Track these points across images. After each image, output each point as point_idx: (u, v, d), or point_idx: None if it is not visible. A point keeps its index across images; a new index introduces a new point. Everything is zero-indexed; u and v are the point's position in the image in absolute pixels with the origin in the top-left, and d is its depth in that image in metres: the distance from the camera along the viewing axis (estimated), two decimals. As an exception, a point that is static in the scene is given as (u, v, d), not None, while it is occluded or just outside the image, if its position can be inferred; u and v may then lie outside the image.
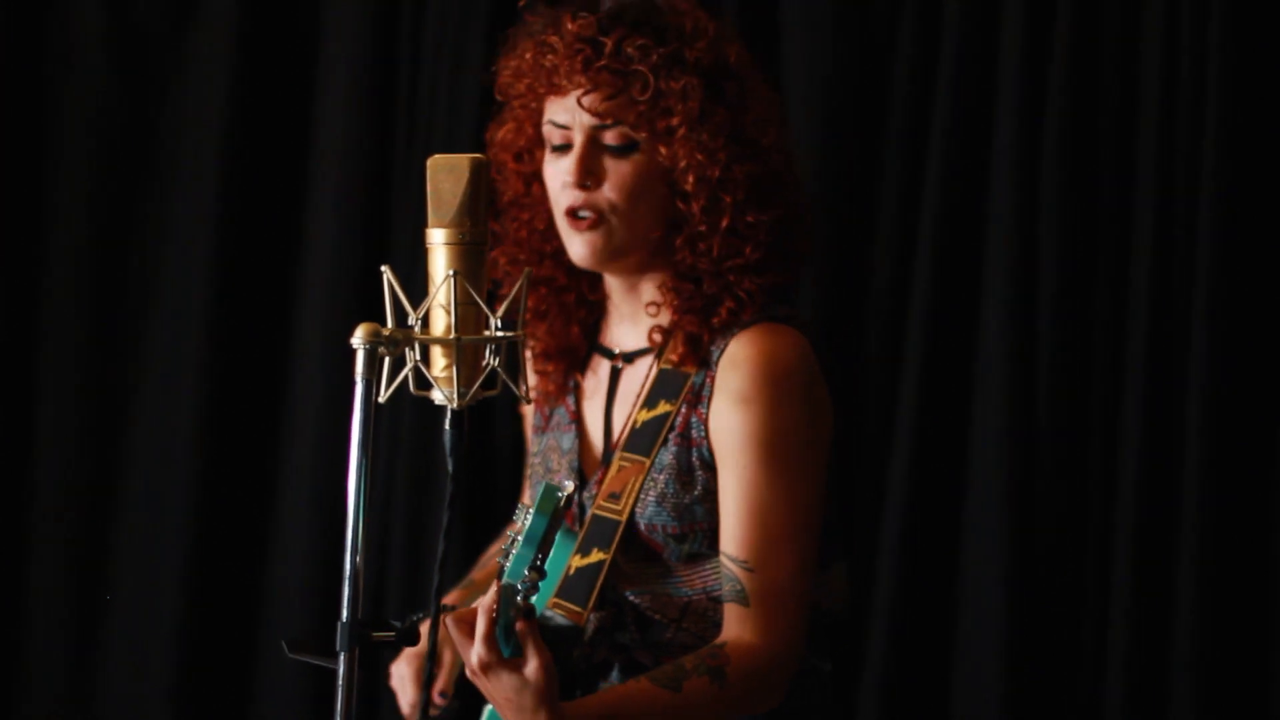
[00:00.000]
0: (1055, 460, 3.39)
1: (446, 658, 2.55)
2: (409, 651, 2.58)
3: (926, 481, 3.45)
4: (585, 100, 2.33)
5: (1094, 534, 3.39)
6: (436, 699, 2.56)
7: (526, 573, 2.09)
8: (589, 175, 2.34)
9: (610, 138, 2.34)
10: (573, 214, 2.36)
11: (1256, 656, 3.30)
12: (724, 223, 2.33)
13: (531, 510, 2.09)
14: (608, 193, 2.34)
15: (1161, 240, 3.31)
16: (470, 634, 2.10)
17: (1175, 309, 3.31)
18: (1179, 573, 3.30)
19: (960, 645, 3.46)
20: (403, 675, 2.57)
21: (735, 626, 2.28)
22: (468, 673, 2.12)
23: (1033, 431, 3.39)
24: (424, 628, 2.56)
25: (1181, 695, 3.30)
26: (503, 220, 2.48)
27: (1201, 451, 3.27)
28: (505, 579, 2.10)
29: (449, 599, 2.58)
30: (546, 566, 2.18)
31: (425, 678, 2.09)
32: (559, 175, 2.37)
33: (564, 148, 2.37)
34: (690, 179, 2.33)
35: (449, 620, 2.11)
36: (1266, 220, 3.29)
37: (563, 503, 2.12)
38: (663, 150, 2.33)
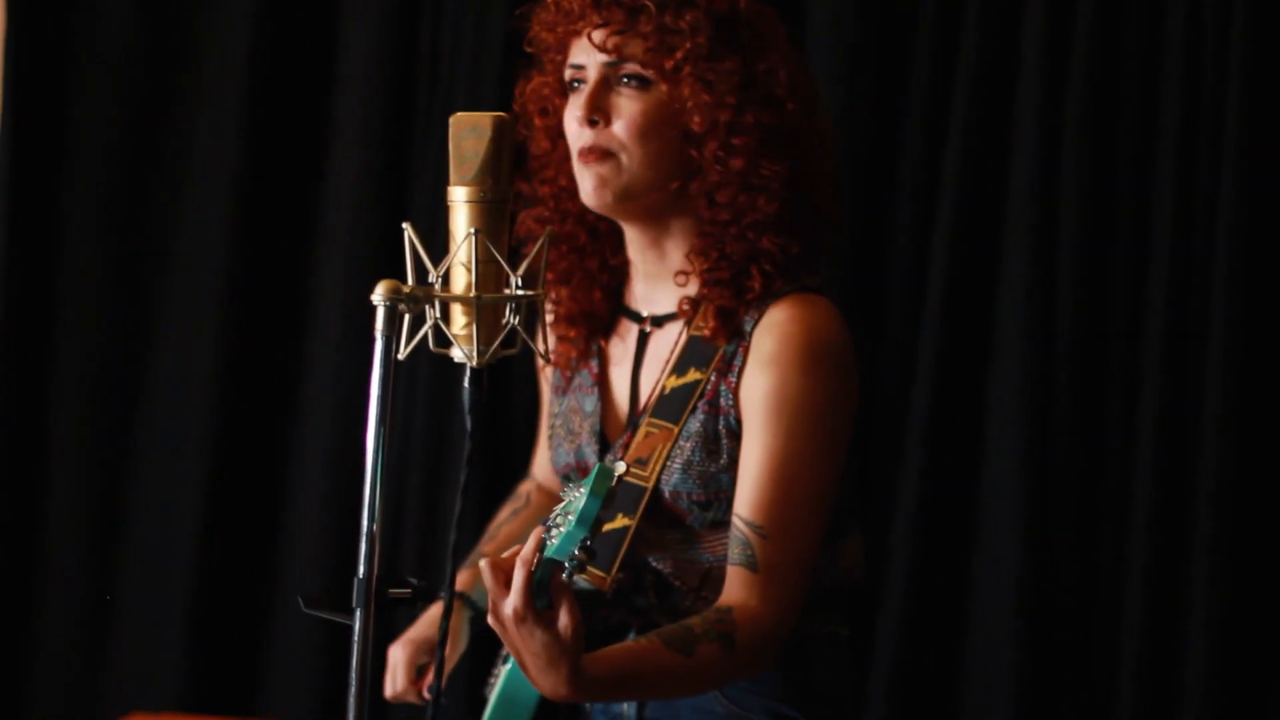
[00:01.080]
0: (1072, 430, 3.39)
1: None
2: (409, 637, 2.59)
3: (943, 451, 3.45)
4: (594, 36, 2.33)
5: (1110, 507, 3.39)
6: (425, 693, 2.56)
7: (576, 552, 2.06)
8: (596, 110, 2.33)
9: (623, 75, 2.34)
10: (584, 153, 2.35)
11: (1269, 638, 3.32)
12: (735, 165, 2.32)
13: (585, 490, 2.07)
14: (617, 131, 2.34)
15: (1182, 196, 3.31)
16: (505, 582, 2.09)
17: (1195, 264, 3.32)
18: (1195, 545, 3.30)
19: (974, 614, 3.46)
20: (396, 661, 2.57)
21: (741, 591, 2.27)
22: (491, 621, 2.11)
23: (1049, 403, 3.39)
24: (437, 608, 2.57)
25: (1194, 665, 3.31)
26: (531, 181, 2.48)
27: (1220, 407, 3.28)
28: (551, 554, 2.08)
29: (460, 578, 2.57)
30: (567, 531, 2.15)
31: (439, 656, 2.07)
32: (572, 114, 2.37)
33: (580, 87, 2.37)
34: (697, 120, 2.32)
35: (485, 565, 2.10)
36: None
37: (616, 484, 2.10)
38: (668, 89, 2.32)
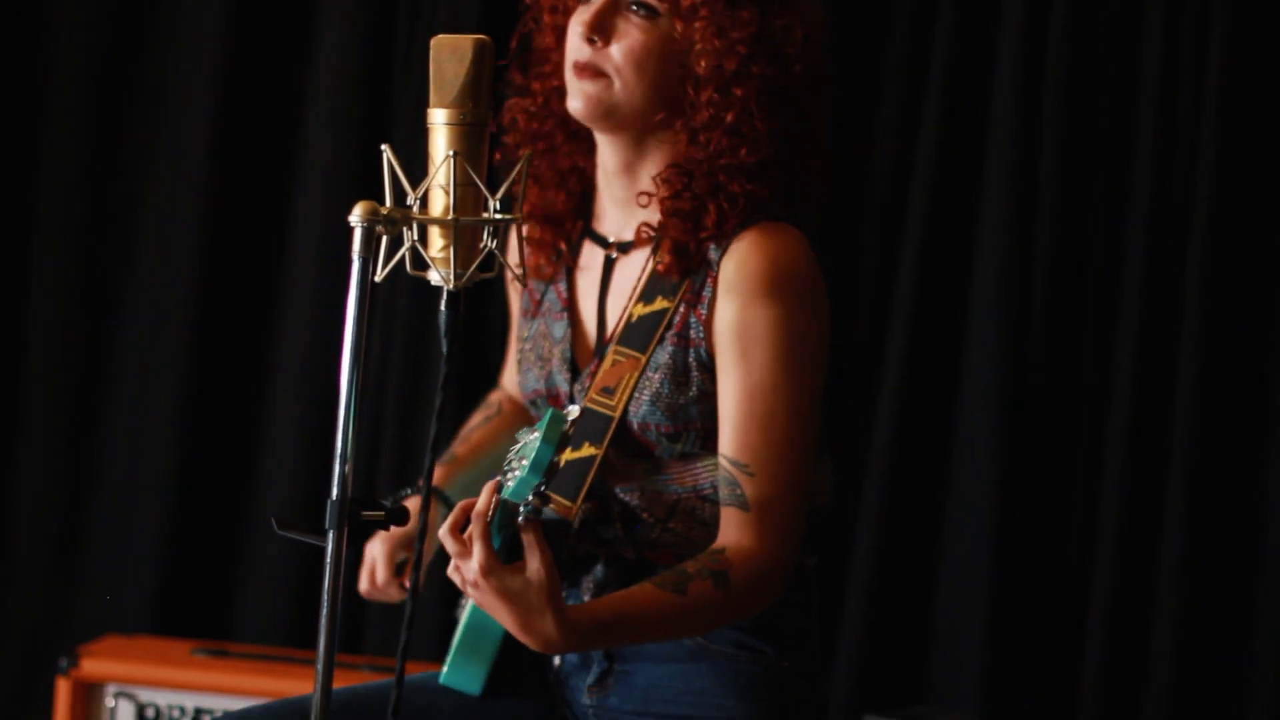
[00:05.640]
0: (1048, 360, 3.41)
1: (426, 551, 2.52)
2: (385, 534, 2.56)
3: (920, 380, 3.47)
4: None
5: (1084, 437, 3.41)
6: (404, 585, 2.53)
7: (530, 498, 2.08)
8: (598, 30, 2.31)
9: (633, 1, 2.31)
10: (578, 67, 2.34)
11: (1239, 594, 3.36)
12: (729, 118, 2.29)
13: (538, 436, 2.07)
14: (615, 54, 2.31)
15: (1162, 157, 3.34)
16: (465, 545, 2.09)
17: (1176, 212, 3.34)
18: (1169, 482, 3.33)
19: (948, 544, 3.48)
20: (374, 555, 2.53)
21: (734, 531, 2.26)
22: (460, 579, 2.11)
23: (1026, 333, 3.41)
24: (412, 503, 2.57)
25: (1164, 615, 3.33)
26: (528, 74, 2.46)
27: (1192, 366, 3.31)
28: (506, 496, 2.09)
29: (435, 477, 2.56)
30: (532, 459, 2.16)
31: (415, 557, 2.08)
32: (575, 27, 2.34)
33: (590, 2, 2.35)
34: (703, 64, 2.29)
35: (443, 533, 2.10)
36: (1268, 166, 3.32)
37: (569, 429, 2.11)
38: (680, 27, 2.30)
